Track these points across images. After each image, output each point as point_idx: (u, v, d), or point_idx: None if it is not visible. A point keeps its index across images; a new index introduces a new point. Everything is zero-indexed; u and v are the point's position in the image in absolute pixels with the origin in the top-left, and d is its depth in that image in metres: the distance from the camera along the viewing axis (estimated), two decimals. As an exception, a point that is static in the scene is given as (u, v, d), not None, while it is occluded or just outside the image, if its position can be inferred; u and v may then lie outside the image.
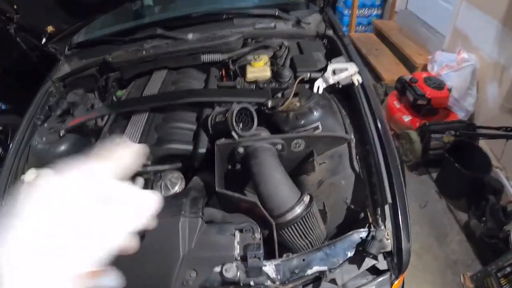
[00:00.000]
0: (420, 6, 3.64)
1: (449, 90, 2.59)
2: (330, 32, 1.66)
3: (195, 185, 1.13)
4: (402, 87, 2.66)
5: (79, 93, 1.57)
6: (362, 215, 1.09)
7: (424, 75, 2.72)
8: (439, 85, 2.58)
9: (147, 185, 1.19)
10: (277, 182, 1.02)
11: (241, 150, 1.09)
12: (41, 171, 1.19)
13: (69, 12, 1.56)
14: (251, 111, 1.09)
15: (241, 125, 1.10)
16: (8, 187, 1.23)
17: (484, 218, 2.17)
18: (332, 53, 1.58)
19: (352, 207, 1.19)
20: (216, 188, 0.99)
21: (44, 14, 1.53)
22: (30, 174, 1.19)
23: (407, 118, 2.63)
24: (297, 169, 1.25)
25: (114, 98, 1.63)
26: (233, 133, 1.05)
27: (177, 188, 1.16)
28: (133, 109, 1.31)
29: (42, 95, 1.60)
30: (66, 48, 1.82)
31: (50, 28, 1.55)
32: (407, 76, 2.72)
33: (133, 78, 1.66)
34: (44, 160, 1.31)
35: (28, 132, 1.43)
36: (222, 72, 1.56)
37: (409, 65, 3.27)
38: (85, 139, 1.41)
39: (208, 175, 1.17)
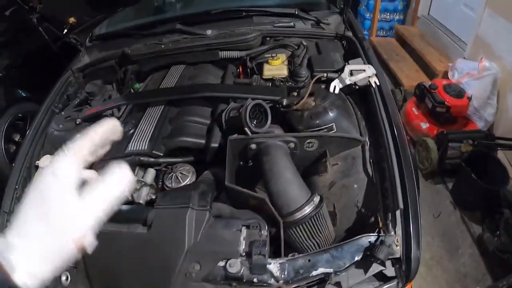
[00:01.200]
0: (442, 12, 3.56)
1: (469, 98, 2.53)
2: (349, 34, 1.64)
3: (205, 179, 1.14)
4: (421, 93, 2.60)
5: (98, 84, 1.61)
6: (373, 219, 1.07)
7: (444, 82, 2.66)
8: (459, 93, 2.52)
9: (158, 177, 1.20)
10: (287, 180, 1.01)
11: (253, 146, 1.08)
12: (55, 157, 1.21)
13: (91, 5, 1.59)
14: (266, 108, 1.09)
15: (255, 121, 1.09)
16: (23, 172, 1.25)
17: (498, 232, 2.11)
18: (350, 54, 1.56)
19: (363, 210, 1.17)
20: (226, 182, 0.99)
21: (66, 5, 1.56)
22: (45, 161, 1.22)
23: (424, 125, 2.57)
24: (309, 169, 1.24)
25: (131, 90, 1.65)
26: (246, 129, 1.04)
27: (187, 181, 1.16)
28: (149, 100, 1.32)
29: (61, 84, 1.63)
30: (87, 39, 1.87)
31: (72, 20, 1.58)
32: (427, 82, 2.66)
33: (151, 72, 1.69)
34: (59, 147, 1.32)
35: (45, 119, 1.45)
36: (239, 69, 1.56)
37: (429, 72, 3.20)
38: None
39: (219, 170, 1.17)
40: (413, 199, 0.96)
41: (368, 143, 1.21)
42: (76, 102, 1.54)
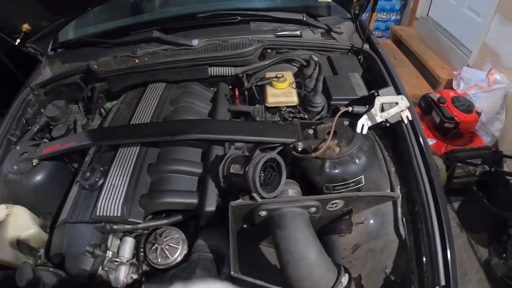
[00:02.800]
0: (443, 15, 3.34)
1: (479, 114, 2.33)
2: (366, 47, 1.38)
3: (202, 257, 0.86)
4: (428, 106, 2.38)
5: (60, 105, 1.30)
6: None
7: (451, 93, 2.44)
8: (468, 107, 2.31)
9: (139, 244, 0.92)
10: (311, 263, 0.77)
11: (263, 213, 0.81)
12: (12, 208, 0.99)
13: (48, 8, 1.25)
14: (279, 162, 0.80)
15: (263, 177, 0.81)
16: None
17: (505, 255, 2.00)
18: (369, 73, 1.30)
19: (392, 278, 0.97)
20: (232, 272, 0.73)
21: (17, 10, 1.21)
22: (1, 211, 0.98)
23: (431, 142, 2.36)
24: (328, 227, 0.99)
25: (102, 111, 1.40)
26: (255, 195, 0.76)
27: (177, 255, 0.90)
28: (120, 142, 1.01)
29: (19, 105, 1.32)
30: (49, 47, 1.54)
31: (25, 26, 1.25)
32: (434, 94, 2.44)
33: (123, 90, 1.37)
34: (15, 193, 1.06)
35: (1, 150, 1.17)
36: (234, 91, 1.26)
37: (431, 79, 2.99)
38: (64, 167, 1.17)
39: (217, 237, 0.90)
40: (455, 275, 0.80)
41: (400, 197, 0.97)
42: (36, 128, 1.27)
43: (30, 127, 1.30)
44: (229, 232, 0.78)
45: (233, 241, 0.77)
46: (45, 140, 1.25)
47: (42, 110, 1.34)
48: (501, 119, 2.45)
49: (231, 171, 0.82)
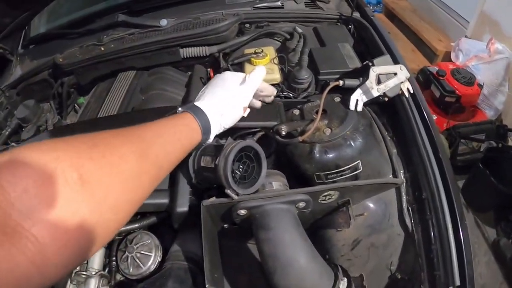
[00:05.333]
0: (436, -16, 3.17)
1: (480, 86, 2.19)
2: (356, 15, 1.22)
3: (174, 266, 0.73)
4: (426, 80, 2.24)
5: (30, 105, 1.19)
6: None
7: (451, 66, 2.30)
8: (469, 79, 2.17)
9: (112, 251, 0.81)
10: (301, 270, 0.63)
11: (242, 212, 0.67)
12: None
13: (8, 2, 1.11)
14: (257, 151, 0.66)
15: (240, 170, 0.67)
16: None
17: None
18: (361, 43, 1.15)
19: (399, 276, 0.82)
20: (207, 286, 0.60)
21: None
22: None
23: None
24: (322, 222, 0.86)
25: (75, 107, 1.27)
26: (229, 192, 0.62)
27: (150, 263, 0.78)
28: None
29: None
30: (20, 45, 1.41)
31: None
32: (432, 67, 2.30)
33: (94, 82, 1.24)
34: None
35: None
36: (210, 73, 1.11)
37: (428, 53, 2.83)
38: None
39: (193, 241, 0.78)
40: (471, 273, 0.69)
41: (405, 182, 0.83)
42: (7, 132, 1.16)
43: (1, 132, 1.19)
44: (202, 236, 0.65)
45: (208, 246, 0.63)
46: (13, 144, 1.14)
47: (15, 112, 1.23)
48: (504, 92, 2.32)
49: (202, 164, 0.68)
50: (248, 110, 0.74)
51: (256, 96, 0.78)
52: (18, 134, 1.21)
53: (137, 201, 0.44)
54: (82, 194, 0.34)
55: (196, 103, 0.67)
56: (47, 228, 0.31)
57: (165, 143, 0.53)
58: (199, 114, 0.64)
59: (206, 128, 0.64)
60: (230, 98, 0.69)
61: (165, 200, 0.77)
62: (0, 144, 1.13)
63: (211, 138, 0.68)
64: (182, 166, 0.76)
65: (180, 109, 0.67)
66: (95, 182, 0.36)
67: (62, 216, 0.32)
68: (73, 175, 0.34)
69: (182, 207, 0.73)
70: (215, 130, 0.67)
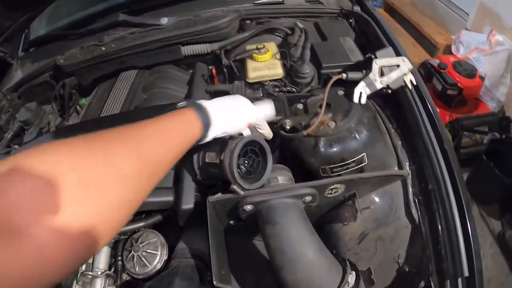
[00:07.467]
0: (436, -23, 3.15)
1: (482, 78, 2.18)
2: (357, 9, 1.22)
3: (181, 264, 0.73)
4: (428, 73, 2.23)
5: (32, 107, 1.19)
6: (423, 284, 0.76)
7: (452, 59, 2.29)
8: (470, 72, 2.17)
9: (117, 250, 0.81)
10: (309, 265, 0.63)
11: (248, 208, 0.67)
12: None
13: (7, 5, 1.11)
14: (263, 145, 0.66)
15: (246, 165, 0.67)
16: None
17: None
18: (363, 37, 1.15)
19: (407, 269, 0.82)
20: (215, 283, 0.60)
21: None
22: None
23: (435, 111, 2.23)
24: (329, 216, 0.86)
25: (77, 108, 1.27)
26: (235, 187, 0.62)
27: (156, 262, 0.78)
28: None
29: None
30: (20, 48, 1.43)
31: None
32: (433, 60, 2.29)
33: (96, 82, 1.24)
34: None
35: None
36: (212, 70, 1.11)
37: (428, 46, 2.82)
38: None
39: (199, 238, 0.78)
40: (478, 262, 0.69)
41: (410, 174, 0.83)
42: (10, 135, 1.17)
43: (4, 135, 1.20)
44: (209, 233, 0.65)
45: (215, 243, 0.63)
46: (15, 146, 1.15)
47: (17, 115, 1.24)
48: (506, 83, 2.31)
49: (207, 160, 0.68)
50: (248, 131, 0.70)
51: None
52: (20, 137, 1.21)
53: (138, 200, 0.44)
54: (81, 195, 0.35)
55: (200, 101, 0.65)
56: (48, 229, 0.32)
57: (164, 139, 0.52)
58: (201, 110, 0.62)
59: (206, 125, 0.62)
60: (235, 108, 0.68)
61: (170, 198, 0.77)
62: (3, 147, 1.14)
63: (208, 137, 0.64)
64: (186, 163, 0.76)
65: (181, 103, 0.65)
66: (94, 183, 0.36)
67: (62, 218, 0.33)
68: (72, 177, 0.34)
69: (188, 204, 0.73)
70: (215, 130, 0.64)
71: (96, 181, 0.37)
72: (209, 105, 0.64)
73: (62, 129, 1.13)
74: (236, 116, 0.67)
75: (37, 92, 1.34)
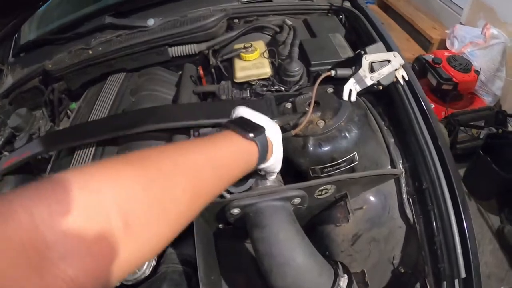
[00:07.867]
0: (429, -28, 3.14)
1: (477, 72, 2.16)
2: (347, 4, 1.20)
3: (169, 270, 0.71)
4: (422, 68, 2.21)
5: (22, 113, 1.17)
6: (418, 286, 0.75)
7: (446, 53, 2.27)
8: (465, 66, 2.15)
9: None
10: (298, 269, 0.61)
11: (236, 211, 0.65)
12: None
13: None
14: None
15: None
16: None
17: None
18: (353, 33, 1.13)
19: (402, 270, 0.81)
20: (201, 286, 0.57)
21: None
22: None
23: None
24: (320, 217, 0.84)
25: (68, 112, 1.27)
26: (219, 191, 0.60)
27: (145, 268, 0.74)
28: (74, 144, 0.86)
29: None
30: (10, 54, 1.40)
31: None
32: (427, 55, 2.27)
33: (85, 86, 1.22)
34: None
35: None
36: (199, 71, 1.08)
37: (423, 41, 2.80)
38: (32, 180, 1.02)
39: (187, 243, 0.76)
40: (476, 264, 0.67)
41: (404, 173, 0.81)
42: (1, 142, 1.16)
43: None
44: (195, 238, 0.63)
45: (202, 248, 0.61)
46: (5, 153, 1.13)
47: (8, 121, 1.22)
48: (502, 77, 2.29)
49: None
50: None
51: None
52: (11, 144, 1.19)
53: (174, 237, 0.41)
54: (125, 240, 0.32)
55: (267, 133, 0.57)
56: (85, 271, 0.29)
57: (222, 175, 0.48)
58: (265, 147, 0.55)
59: (260, 162, 0.56)
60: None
61: None
62: None
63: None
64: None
65: (250, 135, 0.53)
66: (140, 227, 0.34)
67: (102, 260, 0.31)
68: (118, 222, 0.31)
69: None
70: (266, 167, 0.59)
71: (143, 226, 0.34)
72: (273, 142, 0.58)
73: (52, 135, 1.11)
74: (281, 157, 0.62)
75: (27, 97, 1.32)
